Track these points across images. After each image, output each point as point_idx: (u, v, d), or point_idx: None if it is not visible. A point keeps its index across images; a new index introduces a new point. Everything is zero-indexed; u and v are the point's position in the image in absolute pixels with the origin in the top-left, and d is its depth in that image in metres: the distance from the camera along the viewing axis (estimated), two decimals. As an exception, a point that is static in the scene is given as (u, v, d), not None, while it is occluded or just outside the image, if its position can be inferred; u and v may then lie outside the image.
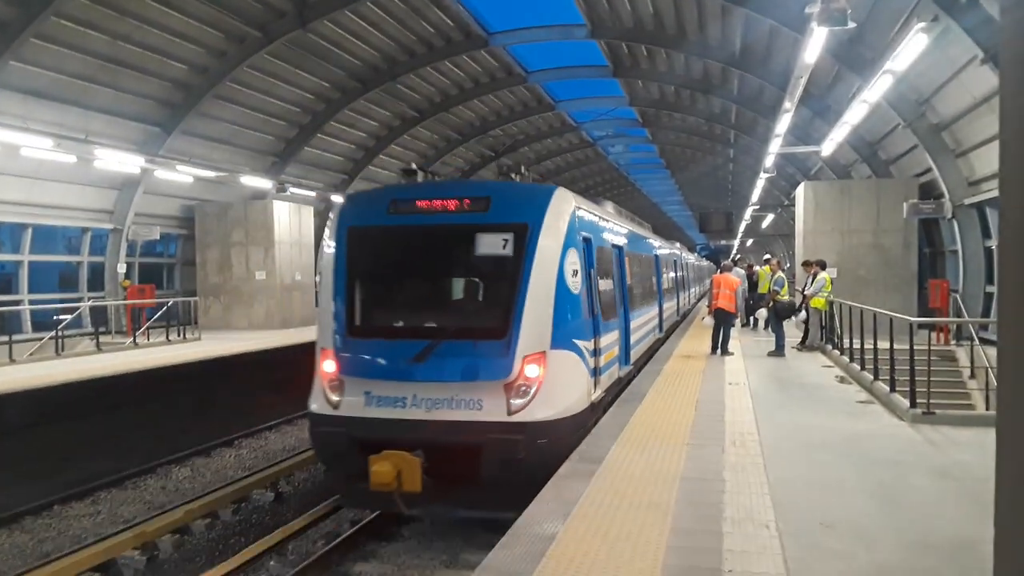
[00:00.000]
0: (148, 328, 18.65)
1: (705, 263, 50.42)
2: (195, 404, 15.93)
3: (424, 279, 9.24)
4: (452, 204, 8.54)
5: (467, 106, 28.43)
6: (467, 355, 7.88)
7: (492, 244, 8.27)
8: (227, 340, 18.53)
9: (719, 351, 14.94)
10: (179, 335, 18.86)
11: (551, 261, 8.09)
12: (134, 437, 13.70)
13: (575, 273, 8.43)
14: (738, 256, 50.55)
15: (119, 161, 16.48)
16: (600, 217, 10.99)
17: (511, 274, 8.04)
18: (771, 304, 16.12)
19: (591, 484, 6.31)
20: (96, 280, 19.97)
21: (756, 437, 8.01)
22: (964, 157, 15.97)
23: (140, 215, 20.20)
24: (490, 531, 6.58)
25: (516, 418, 7.63)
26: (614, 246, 11.52)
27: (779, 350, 15.02)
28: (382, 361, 8.09)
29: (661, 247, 20.06)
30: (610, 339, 10.10)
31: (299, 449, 12.78)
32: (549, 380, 7.81)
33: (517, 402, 7.70)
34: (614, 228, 12.10)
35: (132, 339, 17.74)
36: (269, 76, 20.38)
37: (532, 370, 7.76)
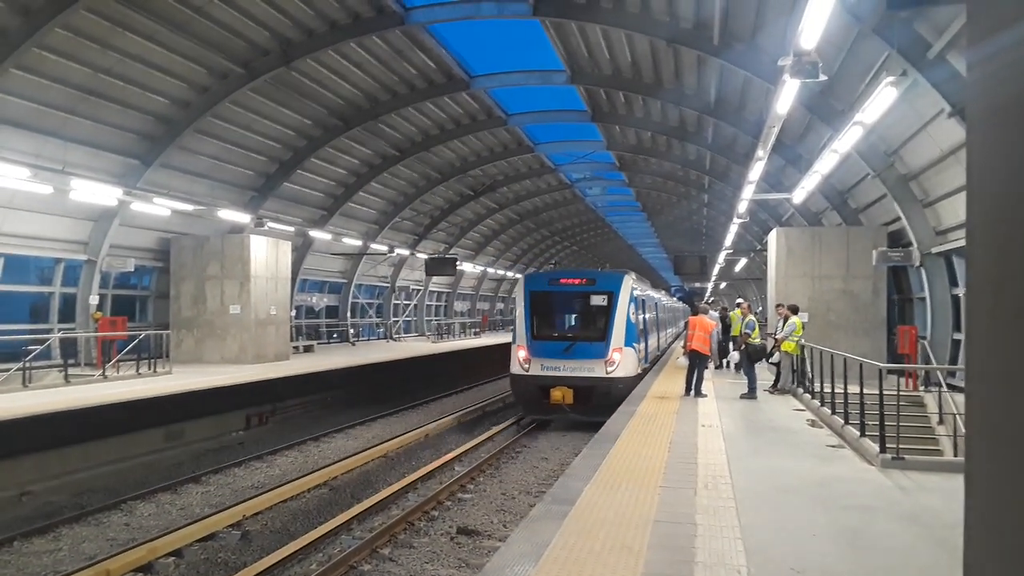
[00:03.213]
0: (119, 361, 18.36)
1: (680, 305, 51.06)
2: (161, 438, 15.69)
3: (567, 314, 19.30)
4: (578, 281, 18.82)
5: (448, 146, 28.69)
6: (587, 348, 17.30)
7: (598, 299, 18.00)
8: (198, 375, 18.27)
9: (692, 393, 15.01)
10: (150, 368, 18.57)
11: (623, 307, 17.58)
12: (95, 473, 13.45)
13: (632, 313, 17.91)
14: (712, 299, 50.90)
15: (96, 193, 16.35)
16: (637, 285, 19.94)
17: (606, 313, 17.62)
18: (743, 347, 16.27)
19: (563, 526, 6.29)
20: (68, 311, 19.66)
21: (728, 480, 8.04)
22: (932, 207, 16.37)
23: (115, 247, 20.02)
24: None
25: (609, 376, 16.98)
26: (641, 299, 20.35)
27: (751, 393, 15.12)
28: (549, 350, 17.45)
29: (659, 298, 29.91)
30: (642, 346, 19.48)
31: (268, 486, 12.56)
32: (622, 359, 17.14)
33: (609, 368, 17.01)
34: (641, 290, 21.18)
35: (102, 372, 17.44)
36: (251, 112, 20.46)
37: (616, 355, 17.08)
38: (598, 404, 16.01)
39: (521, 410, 19.00)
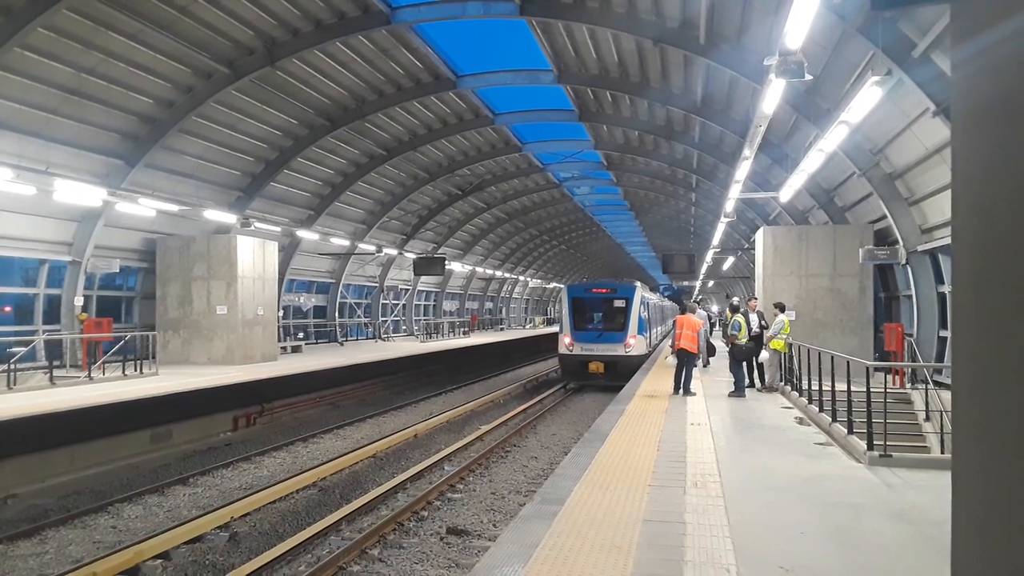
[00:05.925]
0: (104, 362, 18.21)
1: (670, 304, 51.48)
2: (147, 439, 15.59)
3: (598, 312, 26.22)
4: (605, 290, 26.91)
5: (435, 146, 28.66)
6: (612, 336, 25.18)
7: (619, 302, 26.01)
8: (185, 376, 18.16)
9: (681, 391, 15.05)
10: (136, 370, 18.44)
11: (636, 308, 25.57)
12: (81, 475, 13.35)
13: (643, 312, 26.39)
14: (700, 297, 51.03)
15: (80, 193, 16.21)
16: (644, 292, 28.16)
17: (624, 312, 25.63)
18: (730, 347, 16.34)
19: (553, 526, 6.28)
20: (52, 313, 19.51)
21: (717, 479, 8.05)
22: (917, 205, 16.47)
23: (100, 248, 19.88)
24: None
25: (627, 354, 24.64)
26: (647, 301, 28.26)
27: (739, 391, 15.18)
28: (587, 336, 25.38)
29: (658, 300, 40.25)
30: (648, 335, 27.56)
31: (256, 487, 12.49)
32: (636, 343, 25.07)
33: (627, 349, 24.81)
34: (646, 295, 28.68)
35: (87, 373, 17.31)
36: (236, 112, 20.36)
37: (631, 340, 24.93)
38: (620, 373, 22.76)
39: (566, 379, 26.82)
